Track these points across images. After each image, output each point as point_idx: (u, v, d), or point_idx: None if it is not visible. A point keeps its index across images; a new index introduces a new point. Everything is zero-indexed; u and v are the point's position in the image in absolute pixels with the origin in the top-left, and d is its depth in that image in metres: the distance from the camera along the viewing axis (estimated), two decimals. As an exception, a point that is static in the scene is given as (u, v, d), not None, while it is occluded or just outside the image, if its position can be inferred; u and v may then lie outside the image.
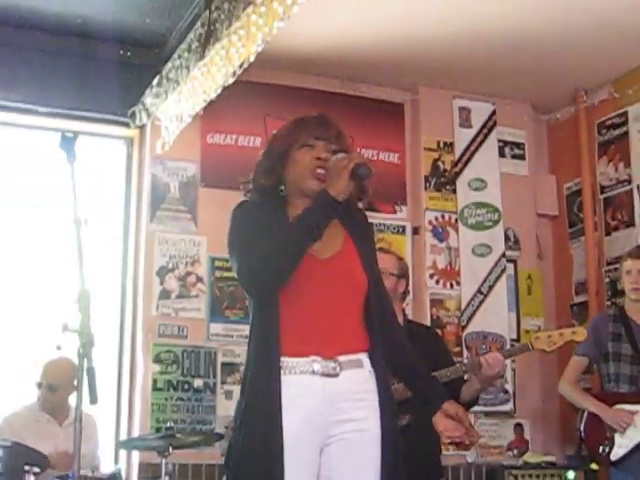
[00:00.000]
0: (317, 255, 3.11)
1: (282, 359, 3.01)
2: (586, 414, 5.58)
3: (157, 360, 6.26)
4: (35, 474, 4.55)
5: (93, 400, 2.63)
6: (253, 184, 3.34)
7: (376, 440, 3.08)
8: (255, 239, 3.09)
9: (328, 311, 3.07)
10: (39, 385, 5.54)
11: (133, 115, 6.44)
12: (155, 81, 6.05)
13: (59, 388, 5.48)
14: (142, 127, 6.59)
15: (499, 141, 7.38)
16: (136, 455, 6.11)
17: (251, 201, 3.32)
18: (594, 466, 5.69)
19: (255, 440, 2.96)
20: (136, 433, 6.13)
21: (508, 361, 6.70)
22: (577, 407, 5.74)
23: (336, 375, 3.04)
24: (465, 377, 4.68)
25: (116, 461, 6.21)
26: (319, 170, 3.16)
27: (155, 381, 6.24)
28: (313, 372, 3.02)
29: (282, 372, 3.00)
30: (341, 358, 3.06)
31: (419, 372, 3.31)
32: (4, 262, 6.30)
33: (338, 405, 3.03)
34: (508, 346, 6.76)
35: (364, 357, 3.13)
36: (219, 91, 5.56)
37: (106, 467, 5.71)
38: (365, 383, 3.11)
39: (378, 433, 3.09)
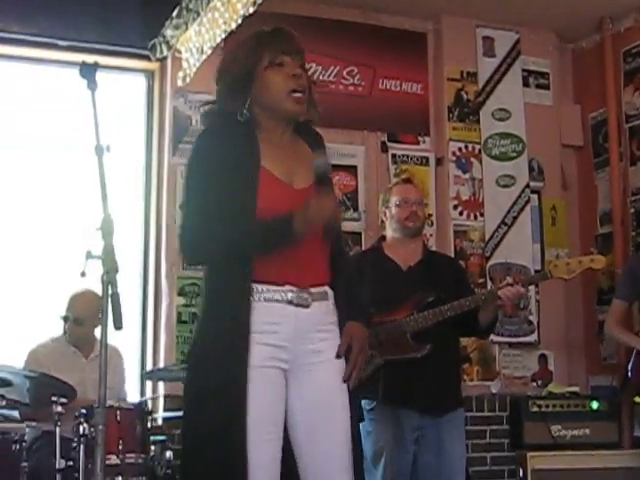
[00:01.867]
0: (292, 184, 3.08)
1: (253, 285, 2.98)
2: (634, 353, 5.63)
3: (181, 293, 6.29)
4: (62, 404, 4.57)
5: (118, 325, 2.64)
6: (209, 109, 3.24)
7: (340, 368, 3.07)
8: (207, 207, 3.01)
9: (301, 243, 3.00)
10: (65, 318, 5.56)
11: (153, 48, 6.39)
12: (175, 12, 5.99)
13: (85, 321, 5.50)
14: (163, 60, 6.55)
15: (523, 70, 7.30)
16: (162, 386, 6.16)
17: (212, 131, 3.18)
18: (638, 399, 5.75)
19: (220, 367, 2.93)
20: (161, 366, 6.17)
21: (532, 292, 6.72)
22: (628, 347, 5.80)
23: (307, 306, 3.03)
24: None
25: (142, 393, 6.27)
26: (296, 94, 3.09)
27: (180, 314, 6.28)
28: (288, 301, 3.00)
29: (253, 298, 2.97)
30: (312, 289, 3.05)
31: (344, 284, 3.19)
32: (30, 193, 6.32)
33: (306, 335, 3.04)
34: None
35: (329, 289, 3.12)
36: (240, 21, 5.50)
37: (132, 398, 5.77)
38: (330, 315, 3.11)
39: (341, 362, 3.08)
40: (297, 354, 3.03)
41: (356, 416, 3.13)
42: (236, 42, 5.94)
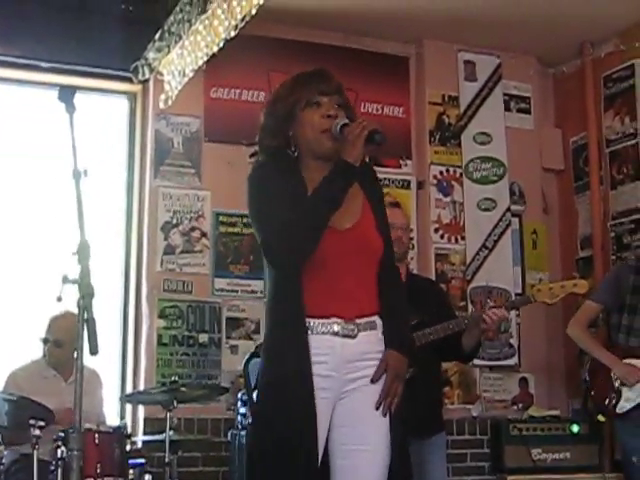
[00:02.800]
0: (336, 227, 3.12)
1: (307, 320, 3.08)
2: (590, 362, 5.59)
3: (162, 315, 6.28)
4: (40, 428, 4.55)
5: (94, 350, 2.63)
6: (259, 146, 3.32)
7: (378, 393, 3.14)
8: (276, 210, 3.09)
9: (348, 277, 3.12)
10: (45, 340, 5.54)
11: (135, 70, 6.40)
12: (157, 35, 6.02)
13: (65, 343, 5.46)
14: (145, 82, 6.55)
15: (504, 95, 7.34)
16: (141, 410, 6.14)
17: (264, 164, 3.28)
18: (601, 418, 5.67)
19: (289, 399, 3.03)
20: (142, 388, 6.16)
21: (513, 315, 6.75)
22: (584, 351, 5.75)
23: (354, 336, 3.11)
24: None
25: (121, 416, 6.25)
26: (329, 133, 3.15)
27: (160, 336, 6.26)
28: (334, 333, 3.09)
29: (308, 332, 3.07)
30: (358, 320, 3.13)
31: (391, 314, 3.24)
32: (5, 215, 6.30)
33: (353, 364, 3.12)
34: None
35: (377, 319, 3.19)
36: (222, 45, 5.53)
37: (111, 422, 5.74)
38: (378, 344, 3.18)
39: (378, 387, 3.14)
40: (342, 382, 3.11)
41: (401, 442, 3.17)
42: (219, 65, 6.06)
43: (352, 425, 3.11)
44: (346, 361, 3.10)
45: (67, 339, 5.47)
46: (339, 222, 3.14)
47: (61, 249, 5.65)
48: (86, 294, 2.67)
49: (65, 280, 2.72)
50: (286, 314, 3.11)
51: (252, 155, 3.38)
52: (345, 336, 3.10)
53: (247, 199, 3.23)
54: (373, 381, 3.12)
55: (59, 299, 2.77)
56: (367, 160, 3.35)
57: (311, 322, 3.08)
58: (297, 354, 3.05)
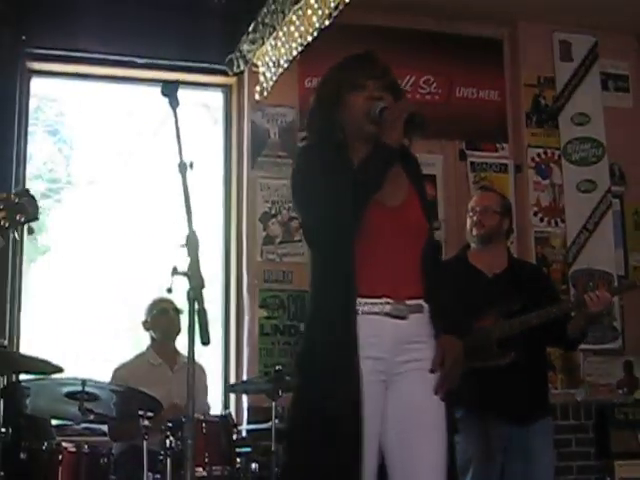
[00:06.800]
0: (385, 203, 3.12)
1: (357, 300, 3.05)
2: None
3: (263, 305, 6.33)
4: (149, 418, 4.61)
5: (205, 340, 2.66)
6: (308, 129, 3.36)
7: (432, 378, 3.10)
8: (318, 194, 3.10)
9: (397, 257, 3.11)
10: (145, 324, 5.65)
11: (230, 63, 6.44)
12: (251, 27, 6.04)
13: (170, 334, 5.59)
14: (240, 74, 6.60)
15: (601, 74, 7.22)
16: (245, 399, 6.20)
17: (309, 147, 3.32)
18: None
19: (334, 378, 2.98)
20: (244, 378, 6.21)
21: (616, 298, 6.61)
22: None
23: (404, 317, 3.08)
24: (572, 314, 4.64)
25: (226, 405, 6.31)
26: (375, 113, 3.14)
27: (262, 326, 6.32)
28: (385, 314, 3.06)
29: (357, 312, 3.04)
30: (408, 302, 3.10)
31: (437, 298, 3.21)
32: (116, 213, 6.43)
33: (403, 346, 3.09)
34: (616, 283, 6.64)
35: (423, 303, 3.16)
36: (316, 34, 5.53)
37: (215, 412, 5.80)
38: (426, 327, 3.15)
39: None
40: (393, 365, 3.08)
41: (451, 427, 3.14)
42: (312, 55, 6.07)
43: (405, 412, 3.07)
44: (397, 343, 3.07)
45: (171, 330, 5.57)
46: (388, 199, 3.13)
47: (170, 242, 5.73)
48: (196, 285, 2.70)
49: (175, 272, 2.75)
50: (337, 294, 3.08)
51: (303, 140, 3.42)
52: (396, 317, 3.07)
53: (291, 183, 3.26)
54: (433, 371, 3.08)
55: (169, 291, 2.80)
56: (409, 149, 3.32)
57: (361, 302, 3.05)
58: (345, 336, 3.02)
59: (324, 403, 3.00)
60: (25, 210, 2.90)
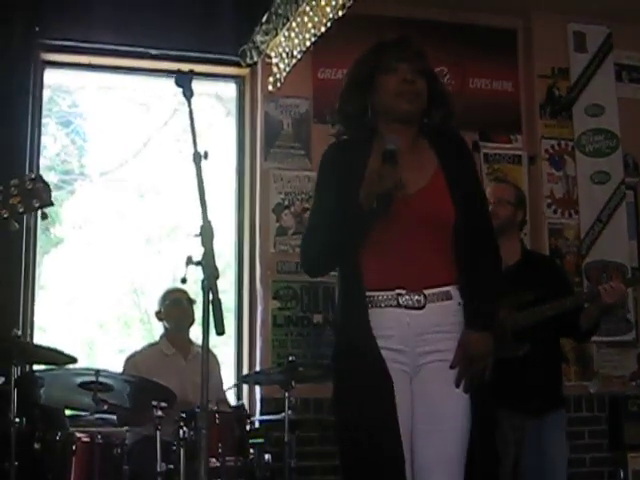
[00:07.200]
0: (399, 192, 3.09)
1: (367, 293, 3.06)
2: None
3: (276, 296, 6.33)
4: (162, 408, 4.62)
5: (220, 330, 2.65)
6: (338, 114, 3.35)
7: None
8: (316, 217, 3.23)
9: (411, 246, 3.08)
10: (158, 314, 5.67)
11: (243, 54, 6.44)
12: (264, 18, 6.03)
13: (183, 324, 5.61)
14: (253, 65, 6.59)
15: (616, 65, 7.18)
16: (257, 390, 6.20)
17: (337, 144, 3.35)
18: None
19: (360, 370, 3.03)
20: (257, 369, 6.22)
21: (630, 290, 6.59)
22: None
23: (421, 307, 3.06)
24: (585, 305, 4.63)
25: (238, 396, 6.32)
26: (407, 95, 3.16)
27: (275, 317, 6.32)
28: (398, 304, 3.05)
29: (369, 305, 3.05)
30: (427, 291, 3.07)
31: (470, 285, 3.16)
32: (129, 204, 6.44)
33: (423, 337, 3.07)
34: (630, 274, 6.63)
35: (453, 289, 3.12)
36: (329, 25, 5.52)
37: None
38: (452, 315, 3.11)
39: None
40: (415, 356, 3.07)
41: (484, 418, 3.14)
42: (326, 46, 6.05)
43: (425, 404, 3.07)
44: (416, 334, 3.06)
45: (184, 319, 5.59)
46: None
47: (183, 232, 5.76)
48: (211, 275, 2.70)
49: (189, 262, 2.75)
50: (349, 290, 3.13)
51: (333, 124, 3.43)
52: (410, 308, 3.05)
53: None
54: (452, 367, 3.06)
55: (183, 280, 2.80)
56: (455, 131, 3.33)
57: (373, 296, 3.06)
58: (359, 330, 3.04)
59: (356, 404, 3.03)
60: (39, 195, 2.91)
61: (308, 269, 3.30)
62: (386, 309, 3.05)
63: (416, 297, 3.06)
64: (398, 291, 3.05)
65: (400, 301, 3.05)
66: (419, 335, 3.06)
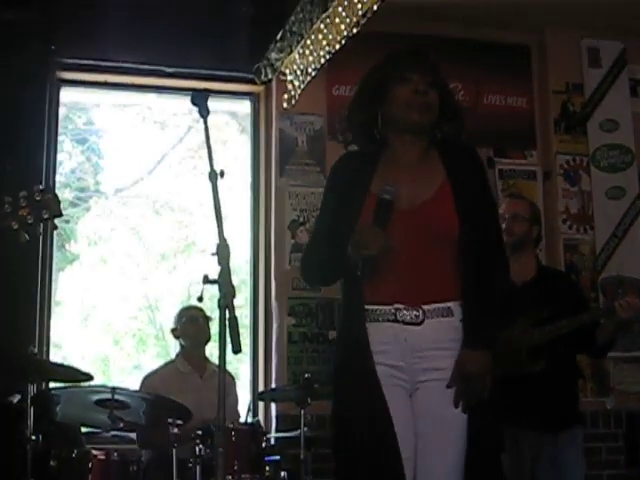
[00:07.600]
0: (401, 205, 3.08)
1: (367, 307, 3.05)
2: None
3: (292, 313, 6.33)
4: (178, 426, 4.62)
5: (237, 348, 2.66)
6: (347, 123, 3.35)
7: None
8: (316, 237, 3.32)
9: (412, 260, 3.05)
10: (174, 332, 5.67)
11: (258, 71, 6.46)
12: (279, 36, 6.05)
13: (199, 341, 5.62)
14: (268, 83, 6.61)
15: (630, 80, 7.17)
16: (273, 407, 6.20)
17: (345, 156, 3.37)
18: None
19: (355, 385, 3.02)
20: (273, 386, 6.21)
21: (646, 305, 6.57)
22: None
23: (419, 323, 3.03)
24: (600, 321, 4.62)
25: (254, 413, 6.30)
26: (418, 106, 3.16)
27: (290, 334, 6.31)
28: (396, 319, 3.03)
29: (367, 319, 3.04)
30: (426, 306, 3.04)
31: (470, 301, 3.11)
32: (144, 221, 6.46)
33: (421, 353, 3.04)
34: (646, 290, 6.60)
35: (455, 305, 3.08)
36: (343, 42, 5.54)
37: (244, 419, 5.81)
38: (452, 332, 3.07)
39: None
40: (414, 372, 3.05)
41: (485, 438, 3.08)
42: (340, 63, 6.07)
43: (425, 424, 3.03)
44: (413, 350, 3.02)
45: (200, 337, 5.60)
46: (403, 202, 3.09)
47: (198, 250, 5.78)
48: (227, 293, 2.71)
49: (206, 280, 2.76)
50: (349, 304, 3.14)
51: (342, 134, 3.44)
52: (408, 323, 3.02)
53: None
54: (449, 386, 3.02)
55: (200, 299, 2.81)
56: (467, 144, 3.31)
57: (372, 310, 3.04)
58: (357, 344, 3.03)
59: (351, 410, 3.03)
60: (48, 206, 2.94)
61: (308, 282, 3.39)
62: (384, 324, 3.03)
63: (414, 312, 3.03)
64: (396, 306, 3.03)
65: (398, 316, 3.03)
66: (417, 351, 3.03)
